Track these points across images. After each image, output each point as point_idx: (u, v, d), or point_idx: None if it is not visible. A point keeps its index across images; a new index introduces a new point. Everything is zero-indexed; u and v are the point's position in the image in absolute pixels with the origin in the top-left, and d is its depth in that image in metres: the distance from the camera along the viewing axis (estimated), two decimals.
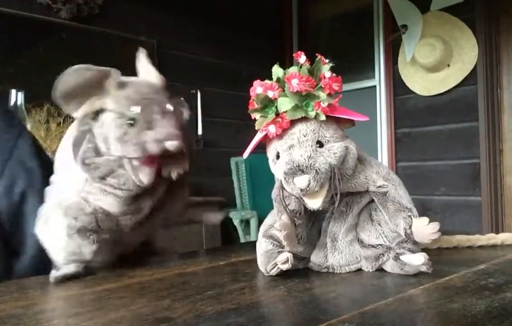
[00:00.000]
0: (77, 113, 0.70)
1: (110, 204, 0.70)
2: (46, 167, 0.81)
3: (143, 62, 0.75)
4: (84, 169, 0.69)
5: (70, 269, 0.68)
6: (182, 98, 0.73)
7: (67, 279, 0.67)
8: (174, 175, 0.70)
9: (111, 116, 0.68)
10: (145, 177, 0.68)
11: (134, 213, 0.72)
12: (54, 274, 0.67)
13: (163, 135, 0.66)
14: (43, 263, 0.72)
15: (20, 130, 0.81)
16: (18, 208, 0.77)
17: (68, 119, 2.36)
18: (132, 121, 0.67)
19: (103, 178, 0.69)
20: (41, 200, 0.75)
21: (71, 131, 0.73)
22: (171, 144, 0.66)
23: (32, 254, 0.77)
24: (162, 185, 0.73)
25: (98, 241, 0.69)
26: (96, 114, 0.69)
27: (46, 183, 0.78)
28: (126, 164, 0.68)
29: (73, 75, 0.67)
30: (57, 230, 0.69)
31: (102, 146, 0.69)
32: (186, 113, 0.73)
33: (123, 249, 0.77)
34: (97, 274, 0.70)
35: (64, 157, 0.73)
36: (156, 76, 0.74)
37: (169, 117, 0.68)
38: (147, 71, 0.75)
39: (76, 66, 0.67)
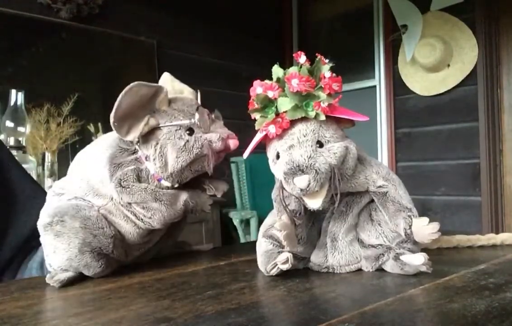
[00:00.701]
0: (130, 136, 0.66)
1: (128, 231, 0.69)
2: None
3: (171, 81, 0.75)
4: (119, 190, 0.66)
5: (68, 274, 0.66)
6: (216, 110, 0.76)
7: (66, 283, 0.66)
8: (219, 194, 0.75)
9: (167, 131, 0.67)
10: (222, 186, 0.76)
11: (145, 244, 0.73)
12: (55, 278, 0.64)
13: (225, 134, 0.70)
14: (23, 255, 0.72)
15: None
16: None
17: (68, 119, 2.36)
18: (189, 131, 0.68)
19: (130, 203, 0.68)
20: None
21: (106, 142, 0.70)
22: (233, 142, 0.70)
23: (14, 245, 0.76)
24: None
25: (105, 264, 0.68)
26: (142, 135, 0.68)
27: None
28: (161, 196, 0.68)
29: (127, 96, 0.64)
30: (70, 238, 0.66)
31: (152, 166, 0.68)
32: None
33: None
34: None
35: (87, 162, 0.71)
36: (190, 91, 0.76)
37: (219, 122, 0.73)
38: (180, 88, 0.75)
39: (129, 86, 0.64)
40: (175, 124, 0.68)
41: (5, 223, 0.79)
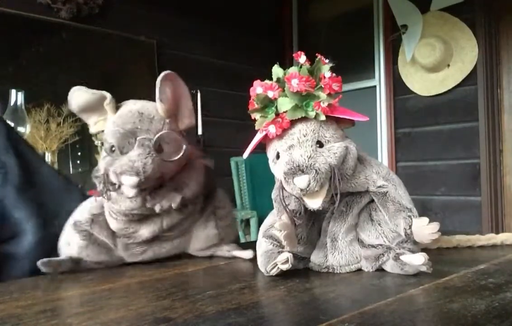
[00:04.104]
0: (91, 129, 0.74)
1: (109, 218, 0.74)
2: (24, 162, 0.81)
3: (159, 87, 0.72)
4: (95, 182, 0.72)
5: (57, 258, 0.71)
6: (183, 134, 0.72)
7: (58, 271, 0.70)
8: (157, 208, 0.71)
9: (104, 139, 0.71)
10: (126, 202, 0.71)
11: (131, 236, 0.74)
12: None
13: (120, 168, 0.66)
14: (46, 247, 0.75)
15: None
16: None
17: (68, 119, 2.36)
18: (112, 148, 0.69)
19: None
20: (18, 192, 0.78)
21: None
22: (126, 180, 0.66)
23: (36, 239, 0.79)
24: (169, 214, 0.74)
25: (87, 239, 0.73)
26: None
27: (22, 178, 0.79)
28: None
29: (72, 97, 0.72)
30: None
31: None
32: (183, 145, 0.71)
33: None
34: (97, 274, 0.70)
35: None
36: (157, 105, 0.71)
37: (143, 149, 0.67)
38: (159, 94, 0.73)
39: (72, 89, 0.72)
40: (105, 136, 0.70)
41: (58, 206, 0.83)
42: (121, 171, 0.65)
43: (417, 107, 3.17)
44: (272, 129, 0.60)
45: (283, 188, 0.60)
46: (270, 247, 0.64)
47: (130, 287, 0.62)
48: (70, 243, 0.73)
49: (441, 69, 3.02)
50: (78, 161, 2.77)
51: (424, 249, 0.65)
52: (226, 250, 0.79)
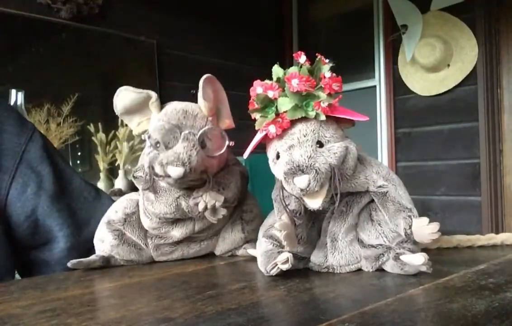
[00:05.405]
0: (134, 130, 0.75)
1: (142, 217, 0.76)
2: (57, 171, 0.83)
3: (201, 88, 0.72)
4: (135, 182, 0.73)
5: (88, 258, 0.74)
6: (223, 130, 0.73)
7: (89, 267, 0.73)
8: (201, 206, 0.70)
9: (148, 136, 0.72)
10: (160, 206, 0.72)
11: (162, 236, 0.76)
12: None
13: (166, 159, 0.65)
14: (77, 254, 0.77)
15: (31, 134, 0.82)
16: (33, 210, 0.79)
17: (68, 119, 2.36)
18: (157, 144, 0.69)
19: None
20: (52, 200, 0.80)
21: None
22: (172, 170, 0.65)
23: (67, 246, 0.81)
24: (199, 217, 0.74)
25: (119, 239, 0.75)
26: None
27: (56, 186, 0.81)
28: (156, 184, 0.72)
29: (118, 98, 0.72)
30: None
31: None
32: (224, 142, 0.72)
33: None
34: (97, 274, 0.70)
35: None
36: (200, 104, 0.72)
37: (187, 142, 0.67)
38: (199, 96, 0.73)
39: (118, 90, 0.72)
40: (150, 133, 0.70)
41: (89, 214, 0.86)
42: (167, 161, 0.65)
43: (417, 107, 3.17)
44: (272, 129, 0.60)
45: (283, 188, 0.60)
46: (270, 247, 0.64)
47: (130, 287, 0.62)
48: (103, 241, 0.76)
49: (441, 69, 3.02)
50: (78, 162, 2.77)
51: (424, 249, 0.65)
52: (243, 248, 0.80)
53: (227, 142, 0.72)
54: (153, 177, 0.68)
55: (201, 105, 0.72)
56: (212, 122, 0.72)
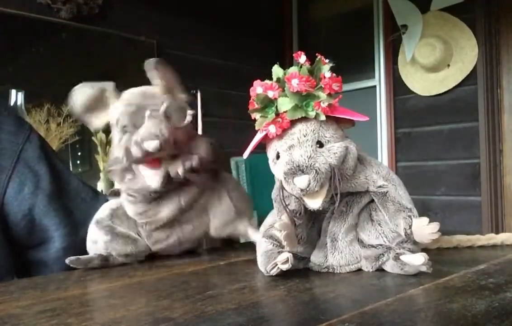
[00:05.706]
0: (97, 123, 0.76)
1: (127, 206, 0.77)
2: (55, 172, 0.84)
3: (149, 73, 0.78)
4: (110, 177, 0.76)
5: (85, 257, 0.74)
6: (185, 100, 0.76)
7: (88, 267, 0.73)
8: (180, 170, 0.73)
9: (113, 126, 0.73)
10: (152, 181, 0.72)
11: (151, 217, 0.77)
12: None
13: (140, 137, 0.69)
14: (73, 254, 0.76)
15: (29, 134, 0.83)
16: (30, 209, 0.80)
17: (68, 119, 2.36)
18: (125, 128, 0.71)
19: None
20: (49, 200, 0.80)
21: None
22: (149, 145, 0.68)
23: (64, 246, 0.82)
24: (185, 191, 0.76)
25: (110, 233, 0.75)
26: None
27: (53, 186, 0.82)
28: (135, 169, 0.73)
29: (75, 97, 0.74)
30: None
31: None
32: (188, 114, 0.76)
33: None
34: (97, 274, 0.70)
35: None
36: (155, 84, 0.77)
37: (154, 119, 0.71)
38: (151, 79, 0.78)
39: (76, 86, 0.74)
40: (114, 121, 0.72)
41: (86, 215, 0.86)
42: (142, 138, 0.69)
43: (417, 107, 3.17)
44: (272, 129, 0.60)
45: (283, 188, 0.60)
46: (270, 247, 0.64)
47: (130, 287, 0.62)
48: (96, 241, 0.76)
49: (441, 69, 3.02)
50: (78, 162, 2.77)
51: (424, 249, 0.65)
52: (242, 226, 0.82)
53: (189, 112, 0.75)
54: (131, 163, 0.71)
55: (157, 85, 0.76)
56: (171, 98, 0.75)
